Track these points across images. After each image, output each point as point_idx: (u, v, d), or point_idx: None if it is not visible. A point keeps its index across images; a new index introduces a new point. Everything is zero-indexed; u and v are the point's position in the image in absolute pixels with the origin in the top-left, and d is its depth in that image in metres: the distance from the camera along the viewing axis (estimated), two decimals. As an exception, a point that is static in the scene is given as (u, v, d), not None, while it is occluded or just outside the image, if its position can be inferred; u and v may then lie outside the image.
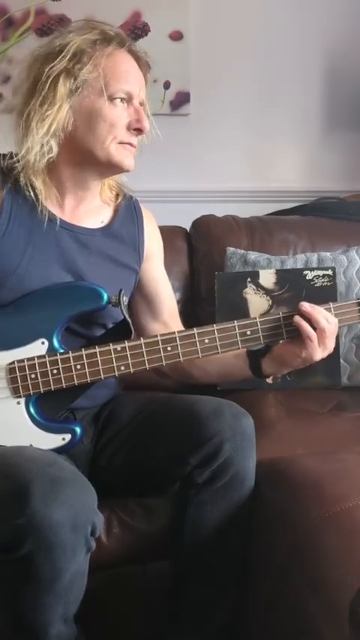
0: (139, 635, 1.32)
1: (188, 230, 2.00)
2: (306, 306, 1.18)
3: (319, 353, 1.19)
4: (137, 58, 1.25)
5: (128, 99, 1.21)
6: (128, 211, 1.34)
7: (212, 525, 1.19)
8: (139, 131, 1.22)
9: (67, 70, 1.17)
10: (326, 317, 1.18)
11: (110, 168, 1.23)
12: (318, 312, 1.18)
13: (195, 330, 1.19)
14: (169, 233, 1.88)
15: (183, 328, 1.39)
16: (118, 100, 1.19)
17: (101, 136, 1.19)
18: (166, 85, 2.27)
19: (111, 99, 1.19)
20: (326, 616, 0.89)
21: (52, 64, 1.16)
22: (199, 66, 2.28)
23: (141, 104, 1.23)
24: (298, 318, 1.18)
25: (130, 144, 1.22)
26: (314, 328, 1.18)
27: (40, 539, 0.94)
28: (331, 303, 1.21)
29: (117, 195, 1.35)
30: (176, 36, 2.24)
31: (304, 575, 1.00)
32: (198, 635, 1.23)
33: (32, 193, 1.20)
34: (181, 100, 2.29)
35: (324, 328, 1.17)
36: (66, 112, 1.18)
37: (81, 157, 1.21)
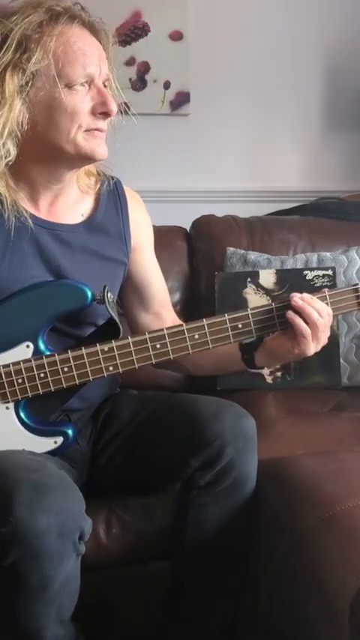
0: (139, 634, 1.32)
1: (188, 230, 2.00)
2: (296, 299, 1.13)
3: (313, 348, 1.14)
4: (93, 29, 1.12)
5: (89, 81, 1.09)
6: (111, 198, 1.26)
7: (213, 526, 1.19)
8: (105, 115, 1.11)
9: (13, 63, 1.05)
10: (319, 309, 1.13)
11: (82, 159, 1.14)
12: (309, 305, 1.12)
13: (184, 326, 1.14)
14: (169, 233, 1.88)
15: (176, 318, 1.37)
16: (78, 85, 1.08)
17: (65, 128, 1.09)
18: (166, 85, 2.26)
19: (69, 87, 1.07)
20: (326, 616, 0.90)
21: (13, 56, 1.05)
22: (199, 66, 2.27)
23: (106, 81, 1.12)
24: (291, 314, 1.12)
25: (99, 129, 1.11)
26: (307, 322, 1.12)
27: (25, 548, 0.93)
28: (326, 291, 1.17)
29: (96, 181, 1.25)
30: (176, 36, 2.24)
31: (303, 575, 1.00)
32: (198, 635, 1.23)
33: (7, 197, 1.12)
34: (181, 100, 2.29)
35: (316, 322, 1.12)
36: (19, 109, 1.07)
37: (47, 152, 1.12)
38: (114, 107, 1.10)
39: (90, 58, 1.09)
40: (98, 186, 1.25)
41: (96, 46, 1.11)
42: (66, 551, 0.97)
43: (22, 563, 0.94)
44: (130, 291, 1.32)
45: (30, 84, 1.07)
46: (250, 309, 1.16)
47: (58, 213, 1.20)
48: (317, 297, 1.15)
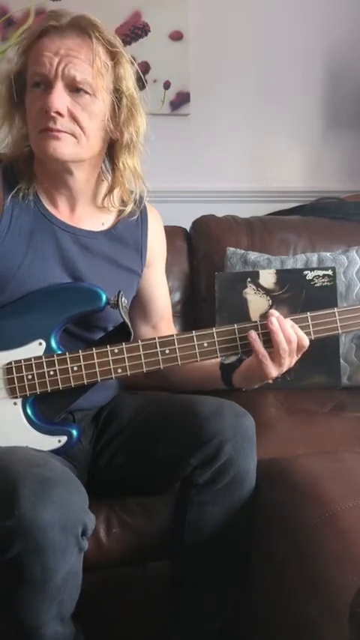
0: (139, 635, 1.32)
1: (188, 230, 2.00)
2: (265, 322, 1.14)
3: (275, 371, 1.16)
4: (73, 29, 1.12)
5: (44, 81, 1.11)
6: (133, 213, 1.29)
7: (212, 525, 1.19)
8: (57, 114, 1.10)
9: (18, 72, 1.16)
10: (288, 335, 1.13)
11: (45, 161, 1.17)
12: (282, 329, 1.13)
13: (194, 333, 1.16)
14: (169, 233, 1.86)
15: (173, 330, 1.40)
16: (34, 85, 1.12)
17: (30, 130, 1.15)
18: (166, 85, 2.27)
19: (30, 88, 1.13)
20: (326, 616, 0.89)
21: (11, 68, 1.16)
22: (199, 66, 2.27)
23: (79, 83, 1.10)
24: (252, 335, 1.14)
25: (47, 128, 1.11)
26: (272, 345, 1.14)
27: (28, 541, 0.94)
28: (335, 309, 1.18)
29: (124, 201, 1.27)
30: (176, 36, 2.24)
31: (303, 575, 1.00)
32: (198, 635, 1.23)
33: (32, 196, 1.19)
34: (181, 100, 2.29)
35: (278, 348, 1.13)
36: (23, 112, 1.16)
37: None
38: (51, 104, 1.09)
39: (45, 58, 1.11)
40: (127, 207, 1.26)
41: (63, 46, 1.11)
42: (68, 545, 0.97)
43: (24, 557, 0.95)
44: (135, 303, 1.35)
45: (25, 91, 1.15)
46: (260, 320, 1.17)
47: (79, 219, 1.24)
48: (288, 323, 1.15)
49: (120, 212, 1.28)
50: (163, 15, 2.22)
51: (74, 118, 1.12)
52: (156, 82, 2.25)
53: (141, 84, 1.22)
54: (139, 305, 1.37)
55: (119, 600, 1.31)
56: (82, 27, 1.12)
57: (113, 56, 1.15)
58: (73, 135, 1.13)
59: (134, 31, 2.23)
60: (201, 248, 1.94)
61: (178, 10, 2.22)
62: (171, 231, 1.93)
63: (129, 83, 1.17)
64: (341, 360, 1.73)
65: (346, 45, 2.33)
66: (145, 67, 2.24)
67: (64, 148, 1.12)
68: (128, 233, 1.29)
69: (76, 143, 1.13)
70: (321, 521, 1.02)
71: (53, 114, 1.09)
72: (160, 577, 1.27)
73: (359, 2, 2.31)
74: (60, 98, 1.10)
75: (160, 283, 1.40)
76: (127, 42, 2.22)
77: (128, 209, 1.26)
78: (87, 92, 1.12)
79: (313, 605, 0.94)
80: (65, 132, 1.12)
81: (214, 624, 1.24)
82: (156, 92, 2.25)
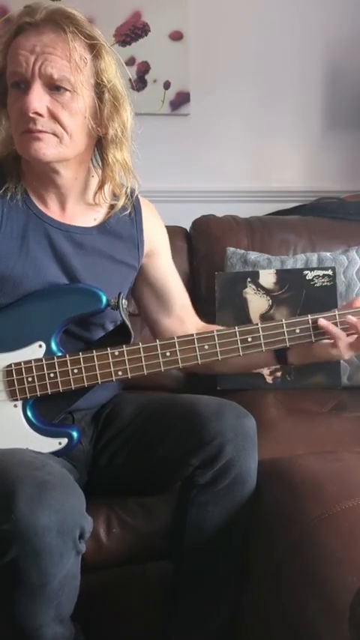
0: (140, 635, 1.32)
1: (188, 230, 2.00)
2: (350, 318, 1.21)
3: (350, 352, 1.23)
4: (48, 24, 1.08)
5: (23, 81, 1.09)
6: (125, 207, 1.26)
7: (213, 526, 1.19)
8: (36, 114, 1.07)
9: (1, 71, 1.13)
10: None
11: (30, 162, 1.15)
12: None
13: (195, 336, 1.17)
14: (169, 233, 1.88)
15: (199, 323, 1.39)
16: (12, 86, 1.10)
17: (13, 131, 1.13)
18: (166, 85, 2.27)
19: (11, 89, 1.10)
20: (326, 616, 0.89)
21: None
22: (199, 66, 2.28)
23: (55, 80, 1.07)
24: (324, 323, 1.20)
25: (29, 130, 1.09)
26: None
27: (25, 545, 0.93)
28: (336, 311, 1.21)
29: (115, 195, 1.25)
30: (176, 36, 2.24)
31: (303, 575, 0.99)
32: (198, 635, 1.23)
33: (20, 195, 1.18)
34: (181, 100, 2.29)
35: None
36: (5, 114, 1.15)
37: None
38: (29, 105, 1.07)
39: (21, 57, 1.08)
40: (119, 200, 1.24)
41: (39, 43, 1.08)
42: (66, 549, 0.97)
43: (22, 560, 0.94)
44: (150, 295, 1.35)
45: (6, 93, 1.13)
46: (261, 323, 1.19)
47: (71, 216, 1.23)
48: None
49: (111, 207, 1.26)
50: (163, 15, 2.22)
51: (55, 117, 1.09)
52: (156, 82, 2.26)
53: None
54: (157, 298, 1.35)
55: (119, 600, 1.31)
56: (57, 22, 1.08)
57: (92, 49, 1.11)
58: (55, 134, 1.10)
59: (134, 31, 2.23)
60: (201, 248, 1.94)
61: (178, 10, 2.22)
62: (171, 231, 1.91)
63: (110, 75, 1.13)
64: (341, 360, 1.73)
65: (345, 44, 2.33)
66: (145, 67, 2.25)
67: (47, 148, 1.10)
68: (122, 227, 1.27)
69: (58, 143, 1.11)
70: (321, 521, 1.02)
71: (32, 115, 1.07)
72: (160, 577, 1.27)
73: (358, 3, 2.31)
74: (38, 98, 1.07)
75: (170, 270, 1.38)
76: (127, 42, 2.23)
77: (120, 203, 1.24)
78: (67, 89, 1.09)
79: (312, 605, 0.93)
80: (46, 132, 1.10)
81: (214, 624, 1.24)
82: (156, 92, 2.25)
